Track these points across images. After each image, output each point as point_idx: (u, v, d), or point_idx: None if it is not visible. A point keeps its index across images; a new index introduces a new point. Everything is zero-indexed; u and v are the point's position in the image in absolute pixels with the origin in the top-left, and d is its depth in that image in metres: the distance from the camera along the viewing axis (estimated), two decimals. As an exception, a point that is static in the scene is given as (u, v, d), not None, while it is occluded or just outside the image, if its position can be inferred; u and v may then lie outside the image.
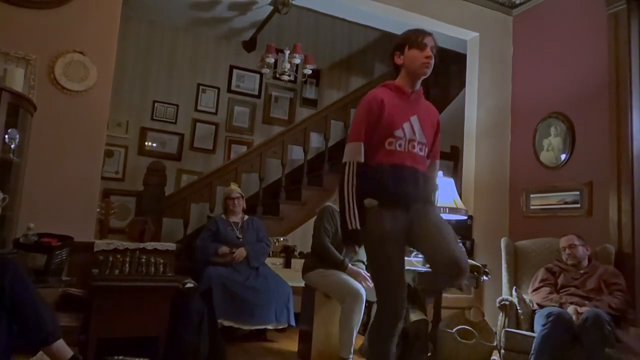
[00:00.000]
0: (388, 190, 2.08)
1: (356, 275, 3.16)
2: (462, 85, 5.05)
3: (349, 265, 3.21)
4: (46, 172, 2.97)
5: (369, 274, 3.22)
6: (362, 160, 2.11)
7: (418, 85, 2.21)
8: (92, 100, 3.15)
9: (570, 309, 2.87)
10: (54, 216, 2.86)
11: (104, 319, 2.56)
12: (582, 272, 3.15)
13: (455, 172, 6.51)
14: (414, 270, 3.36)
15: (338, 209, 3.34)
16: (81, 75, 3.12)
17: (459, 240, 2.20)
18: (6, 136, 2.51)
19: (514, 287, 3.42)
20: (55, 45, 3.07)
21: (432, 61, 2.14)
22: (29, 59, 2.99)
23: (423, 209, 2.12)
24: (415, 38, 2.14)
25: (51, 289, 2.50)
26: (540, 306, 3.05)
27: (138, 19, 5.53)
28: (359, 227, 2.04)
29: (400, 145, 2.10)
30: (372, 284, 3.16)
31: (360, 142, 2.11)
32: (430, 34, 2.17)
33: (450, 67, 6.06)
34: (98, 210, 3.17)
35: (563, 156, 4.00)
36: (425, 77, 2.17)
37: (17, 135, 2.57)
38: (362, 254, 3.38)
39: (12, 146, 2.56)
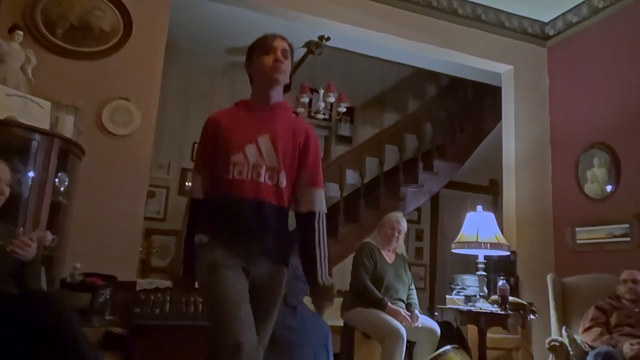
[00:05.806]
0: (221, 230, 1.74)
1: (396, 314, 3.08)
2: (498, 118, 4.99)
3: (388, 303, 3.14)
4: (92, 213, 3.07)
5: (409, 313, 3.15)
6: (200, 196, 1.82)
7: (276, 98, 1.84)
8: (136, 143, 3.29)
9: (626, 347, 2.69)
10: (99, 256, 2.94)
11: (146, 358, 2.57)
12: (637, 310, 2.97)
13: (495, 206, 6.35)
14: (456, 308, 3.28)
15: (378, 246, 3.35)
16: (126, 120, 3.27)
17: None
18: (56, 180, 2.64)
19: (564, 327, 3.24)
20: (103, 92, 3.25)
21: (285, 66, 1.78)
22: (78, 106, 3.16)
23: (266, 276, 1.83)
24: (262, 43, 1.83)
25: (95, 328, 2.54)
26: (592, 347, 2.88)
27: (178, 64, 5.78)
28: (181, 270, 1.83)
29: (240, 173, 1.71)
30: (414, 323, 3.10)
31: (198, 175, 1.84)
32: (280, 36, 1.83)
33: (484, 100, 6.02)
34: (140, 249, 3.24)
35: (609, 187, 3.85)
36: (277, 84, 1.81)
37: (67, 179, 2.70)
38: (402, 291, 3.30)
39: (62, 189, 2.69)
